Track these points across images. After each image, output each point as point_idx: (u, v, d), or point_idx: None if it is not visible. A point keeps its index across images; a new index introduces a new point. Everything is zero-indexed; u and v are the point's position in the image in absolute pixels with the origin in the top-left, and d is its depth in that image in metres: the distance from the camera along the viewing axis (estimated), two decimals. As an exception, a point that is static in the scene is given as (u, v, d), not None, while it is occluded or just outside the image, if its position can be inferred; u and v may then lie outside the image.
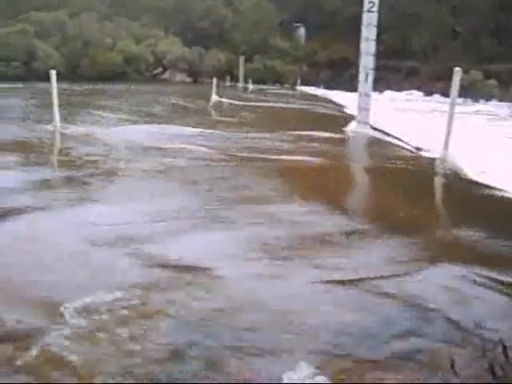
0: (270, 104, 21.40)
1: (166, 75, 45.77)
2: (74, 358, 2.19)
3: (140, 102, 18.81)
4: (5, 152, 7.56)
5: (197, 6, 52.60)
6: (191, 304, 2.72)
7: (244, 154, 7.89)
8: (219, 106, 18.75)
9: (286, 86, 44.82)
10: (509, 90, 29.67)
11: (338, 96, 29.56)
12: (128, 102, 18.49)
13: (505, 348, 2.03)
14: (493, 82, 33.48)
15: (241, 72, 42.71)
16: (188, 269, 3.21)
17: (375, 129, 11.94)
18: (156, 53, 43.46)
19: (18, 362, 2.16)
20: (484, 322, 2.58)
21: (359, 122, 11.88)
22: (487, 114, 22.03)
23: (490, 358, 2.04)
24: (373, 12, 11.40)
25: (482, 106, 27.90)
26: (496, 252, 3.79)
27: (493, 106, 28.18)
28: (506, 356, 1.99)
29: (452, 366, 1.99)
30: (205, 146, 8.57)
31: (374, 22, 11.44)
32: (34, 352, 2.22)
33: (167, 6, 54.30)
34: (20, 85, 26.04)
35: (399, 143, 10.37)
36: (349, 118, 13.71)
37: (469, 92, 29.29)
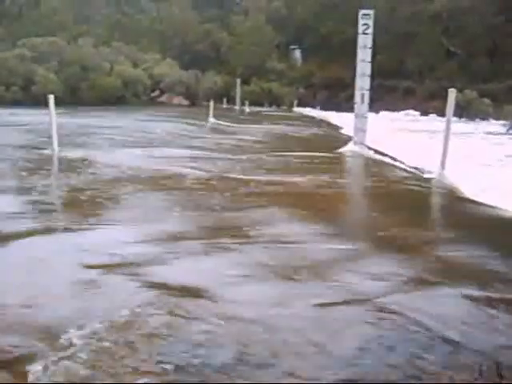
0: (267, 126, 21.51)
1: (164, 98, 46.02)
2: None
3: (137, 126, 18.90)
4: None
5: (194, 28, 53.16)
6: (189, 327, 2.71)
7: (241, 176, 7.92)
8: (216, 128, 18.84)
9: (283, 107, 45.09)
10: (503, 109, 29.87)
11: (334, 117, 29.71)
12: (125, 125, 18.57)
13: (498, 368, 2.04)
14: (487, 101, 33.72)
15: (238, 94, 43.00)
16: (187, 291, 3.21)
17: (372, 149, 12.00)
18: (153, 76, 43.75)
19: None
20: (482, 343, 2.58)
21: (356, 143, 11.95)
22: (483, 133, 22.13)
23: (487, 379, 2.04)
24: (367, 34, 11.54)
25: (477, 124, 28.09)
26: (490, 270, 3.79)
27: (488, 125, 28.34)
28: (501, 376, 1.99)
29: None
30: (202, 169, 8.62)
31: (369, 43, 11.57)
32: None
33: (164, 29, 54.87)
34: (19, 110, 26.14)
35: (396, 163, 10.42)
36: (345, 139, 13.79)
37: (465, 111, 29.49)
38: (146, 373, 2.27)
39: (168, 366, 2.32)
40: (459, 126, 20.73)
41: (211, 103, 22.02)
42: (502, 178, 8.28)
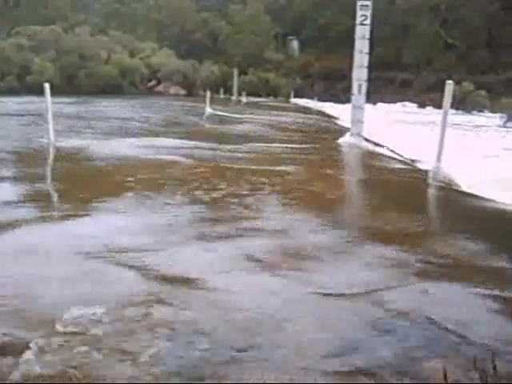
0: (264, 116, 21.46)
1: (160, 88, 45.88)
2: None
3: (134, 115, 18.86)
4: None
5: (191, 17, 52.93)
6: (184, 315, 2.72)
7: (241, 166, 7.90)
8: (213, 118, 18.79)
9: (280, 98, 44.95)
10: (500, 102, 29.90)
11: (331, 108, 29.71)
12: (122, 114, 18.53)
13: (494, 359, 2.05)
14: (484, 93, 33.76)
15: (235, 84, 42.83)
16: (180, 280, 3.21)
17: (369, 141, 11.99)
18: (150, 65, 43.58)
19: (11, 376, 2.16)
20: (476, 334, 2.59)
21: (353, 134, 11.92)
22: (480, 126, 22.16)
23: (481, 369, 2.05)
24: (365, 25, 11.47)
25: (474, 117, 28.15)
26: (484, 262, 3.80)
27: (485, 117, 28.37)
28: (494, 367, 2.00)
29: (445, 377, 2.00)
30: (197, 158, 8.60)
31: (367, 34, 11.51)
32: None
33: (162, 18, 54.60)
34: (15, 98, 26.03)
35: (393, 155, 10.42)
36: (342, 130, 13.78)
37: (461, 103, 29.50)
38: (145, 364, 2.28)
39: (168, 357, 2.33)
40: (461, 118, 20.75)
41: (208, 93, 21.96)
42: (500, 171, 8.28)
